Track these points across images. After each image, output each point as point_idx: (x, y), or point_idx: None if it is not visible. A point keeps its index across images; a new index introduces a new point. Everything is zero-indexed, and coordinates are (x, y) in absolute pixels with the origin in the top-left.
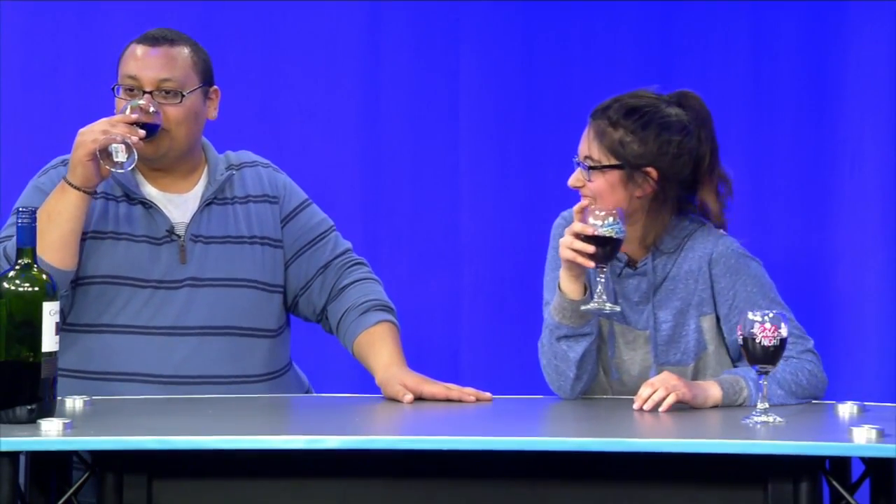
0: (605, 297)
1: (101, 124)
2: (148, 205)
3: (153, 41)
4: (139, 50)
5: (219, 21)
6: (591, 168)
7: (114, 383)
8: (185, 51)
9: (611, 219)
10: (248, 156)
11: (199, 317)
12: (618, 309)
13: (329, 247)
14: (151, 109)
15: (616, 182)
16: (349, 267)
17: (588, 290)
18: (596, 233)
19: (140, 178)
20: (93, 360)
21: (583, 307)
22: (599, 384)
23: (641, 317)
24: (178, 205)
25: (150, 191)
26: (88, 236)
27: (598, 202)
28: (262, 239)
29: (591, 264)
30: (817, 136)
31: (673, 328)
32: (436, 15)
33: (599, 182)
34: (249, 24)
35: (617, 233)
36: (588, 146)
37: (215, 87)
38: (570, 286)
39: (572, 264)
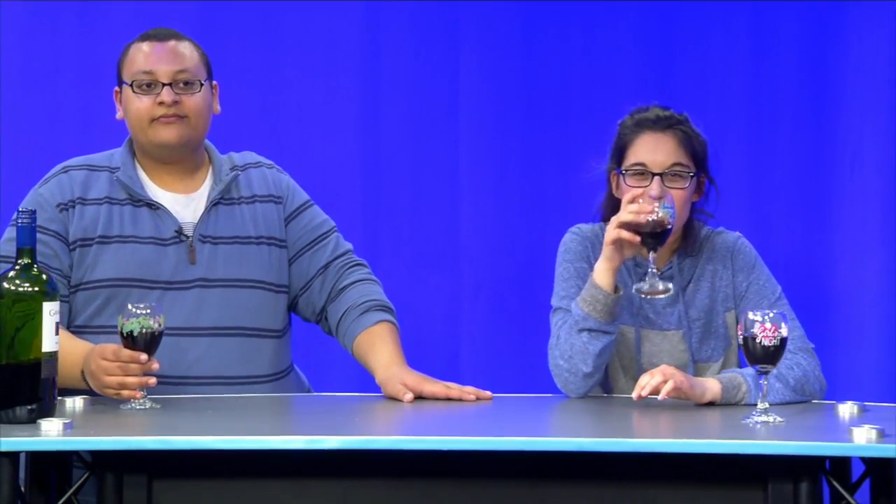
0: (657, 278)
1: (115, 372)
2: (154, 206)
3: (160, 37)
4: (146, 46)
5: (219, 21)
6: (690, 176)
7: None
8: (189, 45)
9: (664, 203)
10: (252, 157)
11: (210, 317)
12: (671, 289)
13: (330, 247)
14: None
15: (693, 190)
16: (349, 268)
17: (618, 289)
18: (651, 217)
19: (145, 179)
20: None
21: (635, 287)
22: (619, 388)
23: (672, 317)
24: (185, 205)
25: (155, 192)
26: (95, 241)
27: (677, 211)
28: (268, 239)
29: (637, 239)
30: (817, 136)
31: (704, 325)
32: (436, 15)
33: (686, 190)
34: (249, 24)
35: (671, 216)
36: (672, 154)
37: (215, 81)
38: (604, 278)
39: (615, 252)
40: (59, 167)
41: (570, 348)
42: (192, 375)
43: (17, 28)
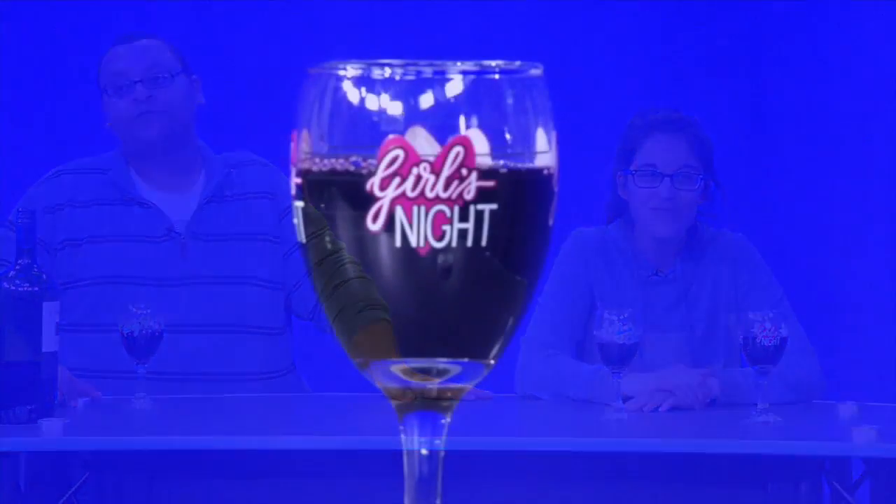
0: (620, 402)
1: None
2: (146, 205)
3: (129, 39)
4: (116, 51)
5: (217, 21)
6: (699, 178)
7: (119, 381)
8: (157, 42)
9: (626, 325)
10: (246, 155)
11: (200, 314)
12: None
13: None
14: None
15: (699, 193)
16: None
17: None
18: (609, 340)
19: (136, 179)
20: (98, 359)
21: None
22: None
23: (674, 319)
24: (178, 203)
25: (147, 191)
26: (84, 241)
27: (681, 213)
28: (262, 236)
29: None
30: (817, 135)
31: (707, 328)
32: (435, 15)
33: (695, 192)
34: (248, 24)
35: (628, 338)
36: (683, 156)
37: (195, 76)
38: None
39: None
40: (52, 171)
41: (549, 386)
42: (181, 372)
43: (17, 28)
